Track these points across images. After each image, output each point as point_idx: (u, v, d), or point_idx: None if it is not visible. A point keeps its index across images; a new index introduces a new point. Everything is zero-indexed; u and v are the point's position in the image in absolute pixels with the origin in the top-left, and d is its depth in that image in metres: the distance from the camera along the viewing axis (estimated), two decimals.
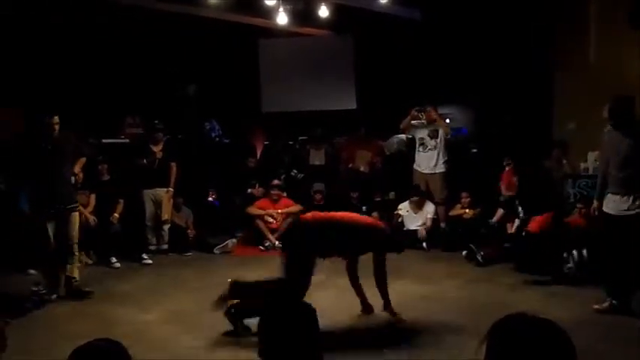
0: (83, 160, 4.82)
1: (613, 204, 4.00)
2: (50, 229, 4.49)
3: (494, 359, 1.10)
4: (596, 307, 4.08)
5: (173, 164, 6.19)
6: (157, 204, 6.16)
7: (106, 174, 6.06)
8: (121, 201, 6.00)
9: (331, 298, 4.43)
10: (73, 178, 4.67)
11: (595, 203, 4.23)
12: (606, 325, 3.84)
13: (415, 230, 6.39)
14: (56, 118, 4.52)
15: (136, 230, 6.07)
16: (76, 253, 4.65)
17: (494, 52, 6.98)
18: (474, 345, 1.15)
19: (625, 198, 3.92)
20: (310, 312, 1.56)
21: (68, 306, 4.43)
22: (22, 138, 4.60)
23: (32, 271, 5.29)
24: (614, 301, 4.02)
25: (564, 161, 6.13)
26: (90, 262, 5.66)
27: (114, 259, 5.66)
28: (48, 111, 4.53)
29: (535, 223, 4.86)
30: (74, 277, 4.64)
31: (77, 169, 4.73)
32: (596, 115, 5.87)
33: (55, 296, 4.50)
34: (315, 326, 1.53)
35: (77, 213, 4.70)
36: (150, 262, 5.84)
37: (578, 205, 5.48)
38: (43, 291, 4.39)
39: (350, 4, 6.98)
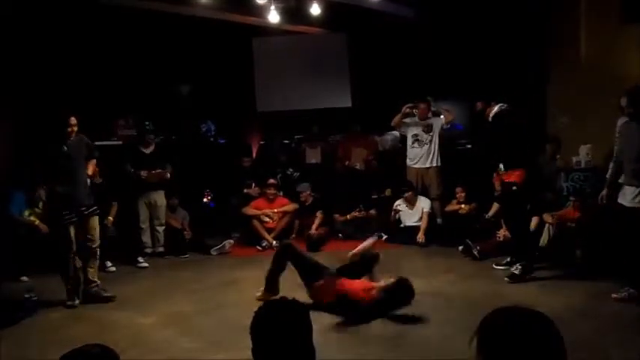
0: (94, 161, 4.81)
1: (627, 196, 4.05)
2: (72, 233, 4.47)
3: (485, 353, 1.10)
4: (614, 295, 4.12)
5: (167, 167, 6.16)
6: (152, 207, 6.13)
7: (99, 177, 6.01)
8: (115, 204, 5.96)
9: None
10: (88, 181, 4.67)
11: (604, 191, 4.26)
12: (603, 315, 3.87)
13: (412, 227, 6.41)
14: (74, 120, 4.51)
15: (130, 233, 6.04)
16: (98, 257, 4.68)
17: (488, 47, 6.99)
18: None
19: (638, 189, 3.97)
20: (302, 311, 1.56)
21: (65, 311, 4.40)
22: (43, 140, 4.57)
23: (25, 278, 5.25)
24: (631, 290, 4.06)
25: (557, 156, 6.16)
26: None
27: (109, 263, 5.61)
28: (63, 112, 4.53)
29: (513, 175, 4.90)
30: (95, 281, 4.64)
31: (90, 170, 4.73)
32: (588, 109, 5.93)
33: (77, 302, 4.48)
34: (307, 325, 1.53)
35: (97, 217, 4.69)
36: (146, 265, 5.81)
37: (572, 198, 5.52)
38: (35, 298, 4.34)
39: (343, 2, 6.96)
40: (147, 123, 6.15)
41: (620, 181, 4.20)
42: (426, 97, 6.77)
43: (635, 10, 5.86)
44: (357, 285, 4.06)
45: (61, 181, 4.45)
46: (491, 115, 4.87)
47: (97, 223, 4.71)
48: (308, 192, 6.96)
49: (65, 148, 4.47)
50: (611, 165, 4.31)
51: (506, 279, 4.78)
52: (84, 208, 4.52)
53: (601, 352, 3.25)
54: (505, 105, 4.87)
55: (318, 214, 6.74)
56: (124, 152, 6.35)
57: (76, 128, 4.53)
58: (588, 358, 3.09)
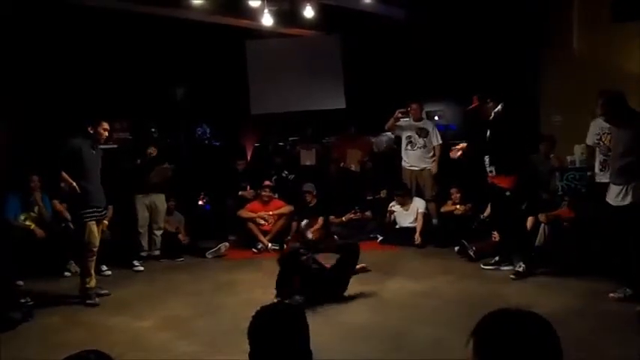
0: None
1: (612, 194, 4.10)
2: (95, 230, 4.63)
3: (482, 355, 1.10)
4: (611, 295, 4.15)
5: (168, 167, 6.14)
6: (151, 210, 6.10)
7: None
8: (110, 207, 5.92)
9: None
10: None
11: None
12: (600, 314, 3.89)
13: (407, 228, 6.41)
14: (107, 125, 4.72)
15: (127, 236, 6.01)
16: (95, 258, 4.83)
17: (481, 48, 7.02)
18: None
19: (623, 188, 4.02)
20: (299, 314, 1.56)
21: (61, 315, 4.37)
22: (72, 141, 4.64)
23: (20, 283, 5.22)
24: (628, 289, 4.09)
25: (551, 155, 6.19)
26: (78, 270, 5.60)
27: (104, 267, 5.57)
28: (96, 116, 4.70)
29: (504, 181, 4.96)
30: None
31: None
32: (582, 108, 5.96)
33: (98, 300, 4.62)
34: (304, 328, 1.54)
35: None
36: (141, 268, 5.77)
37: (566, 198, 5.54)
38: (31, 302, 4.31)
39: (336, 4, 6.98)
40: (153, 130, 6.15)
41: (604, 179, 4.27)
42: (418, 98, 6.79)
43: (624, 10, 5.92)
44: None
45: (86, 180, 4.58)
46: (493, 112, 4.89)
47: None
48: (313, 192, 6.90)
49: (93, 151, 4.68)
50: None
51: (511, 276, 4.83)
52: (101, 209, 4.72)
53: (599, 352, 3.26)
54: (505, 104, 4.89)
55: (319, 220, 6.68)
56: (125, 154, 6.33)
57: (107, 134, 4.77)
58: (586, 358, 3.10)
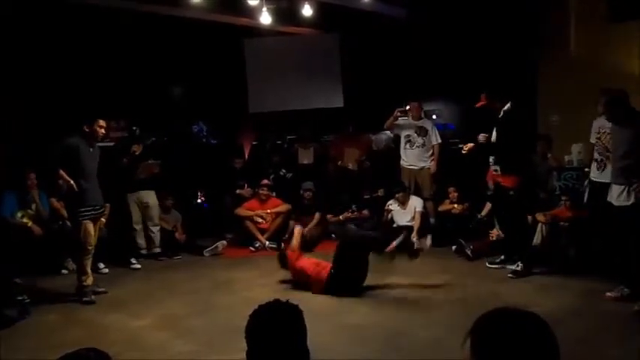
0: None
1: (614, 194, 4.11)
2: (91, 228, 4.65)
3: (479, 354, 1.10)
4: (608, 294, 4.16)
5: (153, 162, 6.13)
6: (143, 208, 6.08)
7: None
8: (107, 205, 5.91)
9: (328, 298, 4.44)
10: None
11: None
12: (598, 314, 3.90)
13: (405, 226, 6.41)
14: (103, 122, 4.73)
15: (123, 235, 6.00)
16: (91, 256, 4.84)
17: (479, 47, 7.02)
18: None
19: (624, 188, 4.04)
20: (297, 313, 1.56)
21: (58, 313, 4.36)
22: (69, 139, 4.64)
23: (18, 280, 5.20)
24: (625, 289, 4.10)
25: (549, 155, 6.20)
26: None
27: (102, 265, 5.58)
28: (92, 114, 4.70)
29: (508, 180, 4.96)
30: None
31: None
32: (580, 108, 5.97)
33: (94, 297, 4.65)
34: (301, 327, 1.53)
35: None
36: (139, 266, 5.77)
37: (563, 198, 5.55)
38: (28, 300, 4.31)
39: (335, 3, 6.97)
40: (134, 128, 6.12)
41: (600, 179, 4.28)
42: (416, 97, 6.79)
43: (621, 10, 5.94)
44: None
45: (83, 179, 4.58)
46: (503, 110, 4.89)
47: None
48: (313, 190, 6.86)
49: (91, 149, 4.68)
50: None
51: (509, 275, 4.85)
52: (97, 207, 4.73)
53: (597, 351, 3.27)
54: (513, 103, 4.90)
55: (317, 215, 6.70)
56: (118, 149, 6.33)
57: (103, 131, 4.77)
58: (584, 357, 3.11)
